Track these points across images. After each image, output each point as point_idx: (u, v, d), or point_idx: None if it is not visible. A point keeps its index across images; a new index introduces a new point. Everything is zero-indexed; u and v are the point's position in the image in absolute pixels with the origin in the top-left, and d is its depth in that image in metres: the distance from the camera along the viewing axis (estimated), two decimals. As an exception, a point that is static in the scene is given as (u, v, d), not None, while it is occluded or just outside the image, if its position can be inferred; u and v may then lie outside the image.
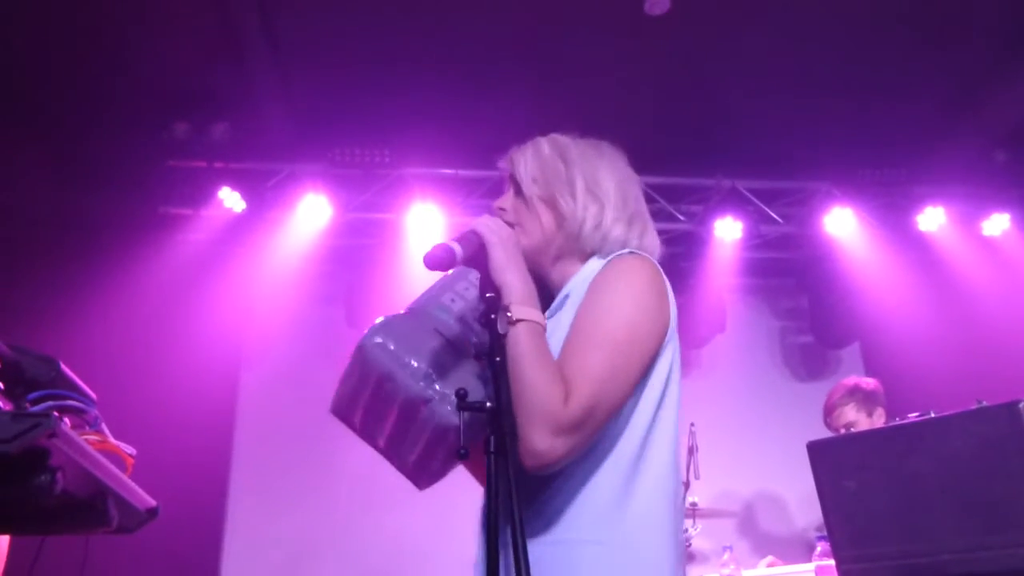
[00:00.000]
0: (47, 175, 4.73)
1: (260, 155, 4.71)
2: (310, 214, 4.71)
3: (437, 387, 1.39)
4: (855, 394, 3.51)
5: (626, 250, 1.52)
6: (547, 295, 1.56)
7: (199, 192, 4.58)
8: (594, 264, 1.52)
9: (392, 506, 4.51)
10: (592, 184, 1.55)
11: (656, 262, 1.51)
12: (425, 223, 4.73)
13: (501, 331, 1.35)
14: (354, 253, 4.98)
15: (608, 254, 1.53)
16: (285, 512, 4.81)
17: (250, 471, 4.92)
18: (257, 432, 5.00)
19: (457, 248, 1.39)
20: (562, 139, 1.63)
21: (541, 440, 1.31)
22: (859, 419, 3.46)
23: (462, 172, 4.85)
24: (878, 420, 3.45)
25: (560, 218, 1.54)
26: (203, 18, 3.93)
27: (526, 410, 1.33)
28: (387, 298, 4.53)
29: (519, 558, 1.19)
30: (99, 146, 4.57)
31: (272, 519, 4.79)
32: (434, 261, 1.37)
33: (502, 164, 1.66)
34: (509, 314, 1.37)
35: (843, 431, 3.41)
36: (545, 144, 1.62)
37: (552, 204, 1.55)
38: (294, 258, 4.81)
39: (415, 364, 1.41)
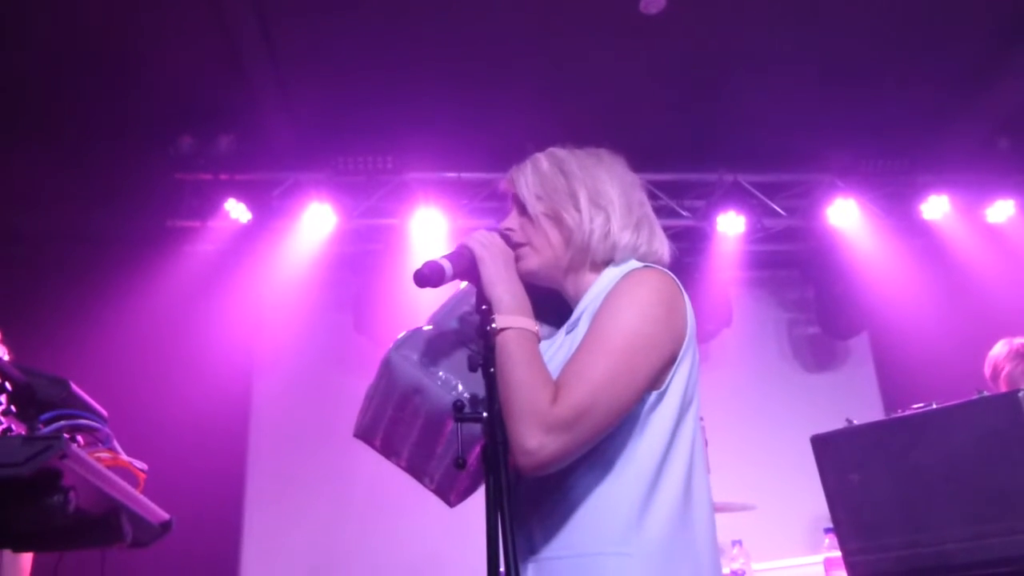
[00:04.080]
0: (55, 191, 4.79)
1: (264, 166, 4.74)
2: (315, 222, 4.74)
3: (467, 396, 1.39)
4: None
5: (641, 264, 1.51)
6: (567, 308, 1.56)
7: (206, 204, 4.61)
8: (610, 274, 1.51)
9: (407, 510, 4.55)
10: (595, 194, 1.53)
11: (674, 276, 1.49)
12: (429, 227, 4.76)
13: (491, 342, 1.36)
14: (360, 259, 5.01)
15: (622, 261, 1.52)
16: (301, 519, 4.85)
17: (266, 478, 4.97)
18: (271, 439, 5.05)
19: (447, 265, 1.40)
20: (560, 152, 1.60)
21: (530, 437, 1.29)
22: None
23: (465, 175, 4.87)
24: None
25: (567, 232, 1.52)
26: (205, 34, 3.97)
27: (514, 409, 1.32)
28: (394, 302, 4.55)
29: (511, 566, 1.20)
30: (106, 161, 4.62)
31: (288, 526, 4.83)
32: (423, 279, 1.38)
33: (503, 185, 1.64)
34: (492, 326, 1.39)
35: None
36: (543, 160, 1.59)
37: (558, 219, 1.53)
38: (301, 266, 4.84)
39: (442, 375, 1.42)
